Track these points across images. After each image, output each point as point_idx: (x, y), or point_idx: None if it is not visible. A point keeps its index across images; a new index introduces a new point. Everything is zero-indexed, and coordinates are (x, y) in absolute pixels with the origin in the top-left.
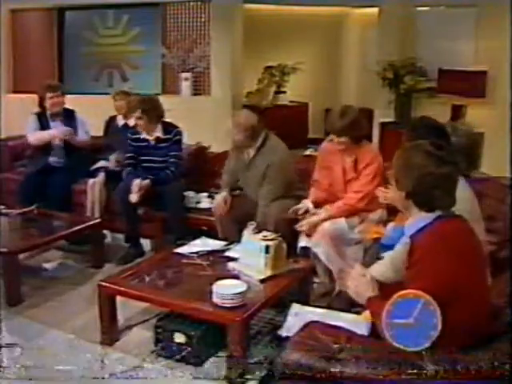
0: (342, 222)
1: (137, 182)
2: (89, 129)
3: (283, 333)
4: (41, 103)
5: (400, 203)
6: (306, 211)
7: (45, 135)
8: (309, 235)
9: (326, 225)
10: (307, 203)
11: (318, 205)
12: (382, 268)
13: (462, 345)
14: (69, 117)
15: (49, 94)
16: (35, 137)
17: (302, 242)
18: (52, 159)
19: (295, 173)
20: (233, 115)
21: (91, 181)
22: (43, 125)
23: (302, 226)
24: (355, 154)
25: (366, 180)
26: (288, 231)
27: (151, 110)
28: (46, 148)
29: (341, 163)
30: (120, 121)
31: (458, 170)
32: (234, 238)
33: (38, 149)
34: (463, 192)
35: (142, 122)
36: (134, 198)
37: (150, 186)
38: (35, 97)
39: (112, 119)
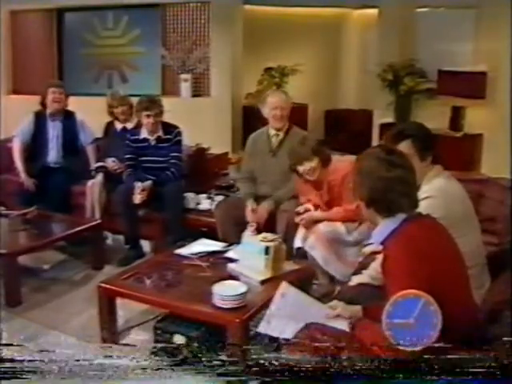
0: (338, 224)
1: (139, 185)
2: (91, 130)
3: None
4: (42, 102)
5: (365, 214)
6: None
7: (18, 165)
8: (305, 237)
9: (322, 227)
10: (307, 205)
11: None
12: (368, 272)
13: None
14: (68, 119)
15: (51, 89)
16: (16, 154)
17: (298, 242)
18: (50, 160)
19: None
20: (232, 114)
21: (90, 182)
22: (41, 125)
23: (303, 219)
24: (325, 178)
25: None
26: (295, 232)
27: (160, 109)
28: (43, 149)
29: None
30: (118, 125)
31: (410, 172)
32: (234, 240)
33: (35, 150)
34: (454, 191)
35: (151, 121)
36: (137, 198)
37: (151, 187)
38: (35, 98)
39: (110, 124)
